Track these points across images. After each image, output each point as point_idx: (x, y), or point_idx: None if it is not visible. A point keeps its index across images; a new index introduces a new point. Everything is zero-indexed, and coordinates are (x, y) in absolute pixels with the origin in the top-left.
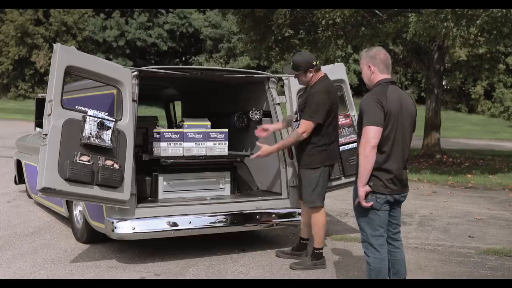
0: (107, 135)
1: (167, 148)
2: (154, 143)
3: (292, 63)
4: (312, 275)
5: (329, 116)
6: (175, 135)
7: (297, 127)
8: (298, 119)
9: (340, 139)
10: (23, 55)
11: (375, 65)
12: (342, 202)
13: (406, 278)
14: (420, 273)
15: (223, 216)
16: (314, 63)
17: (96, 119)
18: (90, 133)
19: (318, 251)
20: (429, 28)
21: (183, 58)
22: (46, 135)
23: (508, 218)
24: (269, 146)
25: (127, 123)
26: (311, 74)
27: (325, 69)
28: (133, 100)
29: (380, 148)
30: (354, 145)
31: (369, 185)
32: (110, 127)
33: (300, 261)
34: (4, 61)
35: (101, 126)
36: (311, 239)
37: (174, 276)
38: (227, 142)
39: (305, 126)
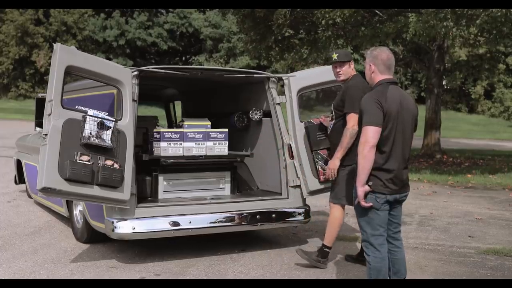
0: (107, 135)
1: (167, 148)
2: (154, 143)
3: (339, 54)
4: (312, 275)
5: None
6: (175, 135)
7: (331, 126)
8: (333, 118)
9: None
10: (23, 54)
11: (376, 65)
12: None
13: (406, 277)
14: (420, 273)
15: (223, 216)
16: (352, 57)
17: (96, 119)
18: (90, 133)
19: (326, 249)
20: (429, 28)
21: (183, 58)
22: (46, 135)
23: (508, 218)
24: (332, 161)
25: (127, 123)
26: (352, 66)
27: (325, 69)
28: (133, 100)
29: (380, 148)
30: None
31: (369, 185)
32: (110, 127)
33: (308, 252)
34: (4, 61)
35: (101, 126)
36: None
37: (174, 276)
38: (227, 142)
39: (352, 120)
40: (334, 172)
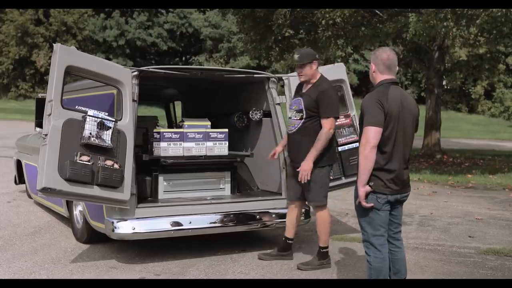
0: (107, 135)
1: (167, 148)
2: (154, 143)
3: (300, 55)
4: (312, 275)
5: None
6: (175, 135)
7: (299, 125)
8: (304, 117)
9: (340, 139)
10: (23, 55)
11: (376, 64)
12: (342, 202)
13: (407, 278)
14: (421, 273)
15: (223, 216)
16: (317, 56)
17: (96, 119)
18: (90, 133)
19: (324, 250)
20: (429, 28)
21: (183, 58)
22: (46, 135)
23: (508, 218)
24: (306, 162)
25: (127, 123)
26: (315, 66)
27: (325, 69)
28: (133, 100)
29: (381, 148)
30: (354, 145)
31: (370, 185)
32: (110, 127)
33: (307, 261)
34: (4, 61)
35: (101, 126)
36: (296, 239)
37: (174, 276)
38: (227, 142)
39: (330, 123)
40: (308, 174)
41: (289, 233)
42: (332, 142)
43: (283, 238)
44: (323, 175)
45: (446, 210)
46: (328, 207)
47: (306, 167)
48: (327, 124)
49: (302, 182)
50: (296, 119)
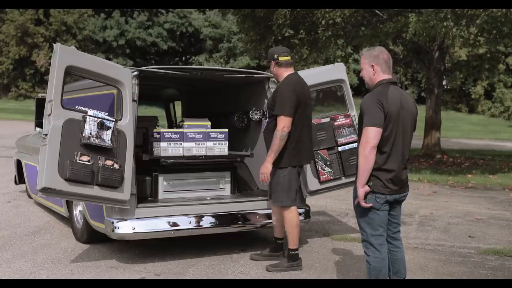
0: (107, 135)
1: (167, 148)
2: (154, 143)
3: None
4: (312, 275)
5: (297, 111)
6: (175, 135)
7: (264, 125)
8: (267, 116)
9: (340, 139)
10: (23, 54)
11: (378, 64)
12: (342, 202)
13: (406, 278)
14: (420, 273)
15: (223, 216)
16: (276, 56)
17: (96, 119)
18: (90, 133)
19: (293, 252)
20: (429, 28)
21: (183, 58)
22: (46, 135)
23: (509, 218)
24: (264, 165)
25: (127, 123)
26: (272, 66)
27: (325, 69)
28: (133, 100)
29: (380, 149)
30: (354, 145)
31: (369, 185)
32: (110, 127)
33: (276, 262)
34: (4, 61)
35: (101, 126)
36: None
37: (174, 276)
38: (227, 142)
39: (281, 122)
40: (266, 176)
41: (278, 233)
42: (295, 142)
43: (273, 239)
44: (285, 176)
45: (446, 210)
46: (327, 207)
47: (263, 170)
48: (278, 123)
49: (264, 184)
50: (264, 119)
